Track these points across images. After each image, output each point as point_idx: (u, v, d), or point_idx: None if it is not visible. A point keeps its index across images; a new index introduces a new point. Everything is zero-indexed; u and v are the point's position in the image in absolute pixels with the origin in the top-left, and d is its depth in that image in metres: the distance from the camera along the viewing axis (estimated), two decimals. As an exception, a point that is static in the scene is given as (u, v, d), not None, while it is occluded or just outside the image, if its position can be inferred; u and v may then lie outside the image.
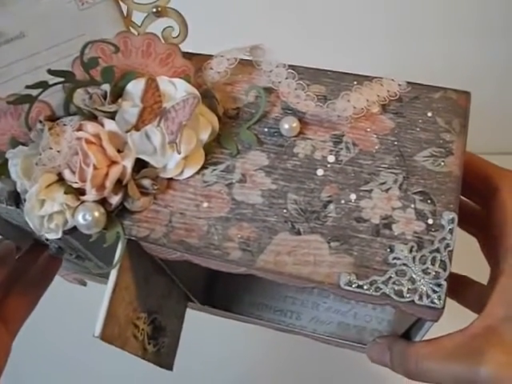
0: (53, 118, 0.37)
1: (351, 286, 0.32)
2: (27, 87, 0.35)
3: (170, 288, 0.45)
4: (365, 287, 0.32)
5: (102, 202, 0.36)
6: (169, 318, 0.44)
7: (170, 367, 0.46)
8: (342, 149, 0.36)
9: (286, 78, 0.39)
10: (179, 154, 0.35)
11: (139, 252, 0.37)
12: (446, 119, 0.36)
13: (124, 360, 0.40)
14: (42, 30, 0.35)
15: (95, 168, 0.34)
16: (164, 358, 0.44)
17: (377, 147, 0.36)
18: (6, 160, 0.37)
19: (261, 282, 0.50)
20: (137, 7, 0.36)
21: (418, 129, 0.36)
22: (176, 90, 0.36)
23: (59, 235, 0.36)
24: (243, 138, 0.37)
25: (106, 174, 0.35)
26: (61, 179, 0.36)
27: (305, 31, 0.62)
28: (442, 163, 0.35)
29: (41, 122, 0.36)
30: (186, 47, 0.39)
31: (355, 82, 0.38)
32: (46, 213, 0.35)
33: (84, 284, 0.57)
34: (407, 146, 0.36)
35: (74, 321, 0.67)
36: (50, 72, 0.35)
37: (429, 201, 0.34)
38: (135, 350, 0.39)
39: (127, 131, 0.34)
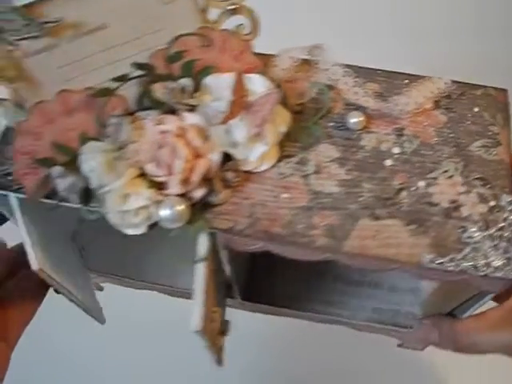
0: (126, 113, 0.37)
1: (434, 264, 0.35)
2: (113, 80, 0.34)
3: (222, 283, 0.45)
4: (446, 264, 0.35)
5: (182, 196, 0.36)
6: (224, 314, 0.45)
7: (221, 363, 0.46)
8: (404, 141, 0.39)
9: (343, 76, 0.41)
10: (266, 145, 0.36)
11: (213, 247, 0.38)
12: (490, 113, 0.40)
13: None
14: (124, 23, 0.35)
15: (185, 161, 0.34)
16: (221, 354, 0.44)
17: (435, 139, 0.39)
18: (75, 156, 0.36)
19: (296, 274, 0.52)
20: (213, 4, 0.37)
21: (468, 122, 0.40)
22: (254, 84, 0.37)
23: (143, 230, 0.36)
24: (312, 131, 0.39)
25: (191, 168, 0.35)
26: (142, 174, 0.36)
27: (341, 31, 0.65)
28: (494, 152, 0.39)
29: (117, 116, 0.36)
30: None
31: (406, 81, 0.41)
32: (132, 207, 0.35)
33: (101, 289, 0.55)
34: (461, 137, 0.40)
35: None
36: (135, 65, 0.35)
37: (488, 185, 0.38)
38: (214, 344, 0.39)
39: (218, 123, 0.35)
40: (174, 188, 0.35)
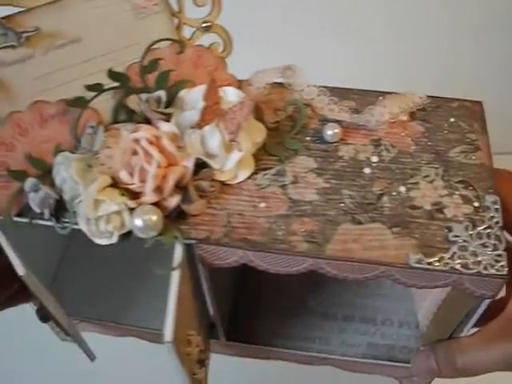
0: (101, 124, 0.37)
1: (421, 264, 0.34)
2: (88, 88, 0.34)
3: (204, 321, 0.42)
4: (435, 264, 0.34)
5: (157, 205, 0.35)
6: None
7: None
8: (382, 150, 0.39)
9: (318, 96, 0.42)
10: (240, 151, 0.36)
11: (190, 265, 0.36)
12: (467, 123, 0.40)
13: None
14: (98, 36, 0.36)
15: (158, 166, 0.34)
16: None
17: (413, 148, 0.39)
18: (49, 169, 0.36)
19: (284, 313, 0.49)
20: (188, 21, 0.38)
21: (445, 131, 0.40)
22: (228, 95, 0.37)
23: (114, 240, 0.34)
24: (288, 145, 0.39)
25: (165, 176, 0.35)
26: (114, 184, 0.35)
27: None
28: (474, 157, 0.39)
29: (92, 126, 0.36)
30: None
31: (381, 98, 0.42)
32: (105, 212, 0.33)
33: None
34: (440, 145, 0.39)
35: None
36: (110, 74, 0.35)
37: (470, 187, 0.37)
38: (190, 371, 0.36)
39: (192, 130, 0.35)
40: (148, 196, 0.34)
